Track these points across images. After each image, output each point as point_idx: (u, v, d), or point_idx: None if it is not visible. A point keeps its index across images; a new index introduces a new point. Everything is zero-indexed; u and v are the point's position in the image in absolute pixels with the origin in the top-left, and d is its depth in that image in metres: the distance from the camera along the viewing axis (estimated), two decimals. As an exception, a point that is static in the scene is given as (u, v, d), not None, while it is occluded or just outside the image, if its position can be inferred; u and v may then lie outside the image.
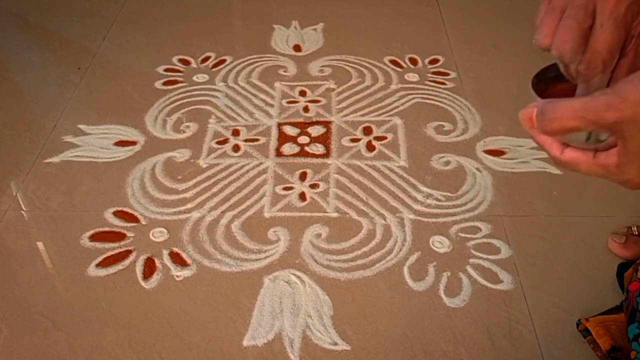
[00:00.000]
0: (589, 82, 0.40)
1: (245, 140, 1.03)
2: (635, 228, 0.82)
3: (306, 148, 1.01)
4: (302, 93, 1.14)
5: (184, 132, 1.05)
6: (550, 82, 0.42)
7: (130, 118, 1.08)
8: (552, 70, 0.42)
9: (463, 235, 0.85)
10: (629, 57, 0.44)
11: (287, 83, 1.17)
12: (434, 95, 1.13)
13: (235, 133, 1.05)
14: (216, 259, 0.82)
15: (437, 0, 1.45)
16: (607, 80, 0.38)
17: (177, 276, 0.80)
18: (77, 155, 1.01)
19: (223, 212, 0.89)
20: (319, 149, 1.01)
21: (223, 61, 1.24)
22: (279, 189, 0.93)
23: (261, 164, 0.98)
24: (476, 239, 0.84)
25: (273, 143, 1.02)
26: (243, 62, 1.24)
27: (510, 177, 0.95)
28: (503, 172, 0.96)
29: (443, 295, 0.77)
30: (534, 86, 0.41)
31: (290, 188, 0.93)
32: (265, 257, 0.82)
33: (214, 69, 1.21)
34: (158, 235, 0.85)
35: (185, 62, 1.24)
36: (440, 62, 1.22)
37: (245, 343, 0.72)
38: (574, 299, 0.76)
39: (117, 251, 0.83)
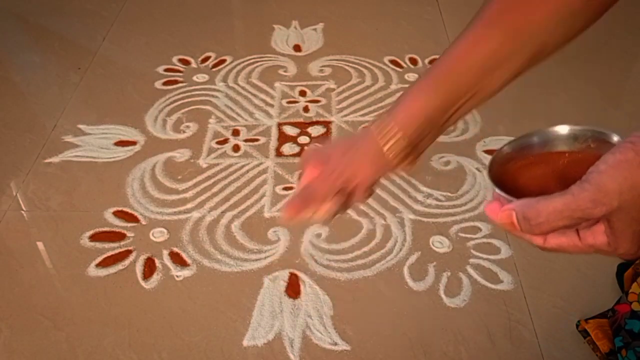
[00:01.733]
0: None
1: (245, 140, 1.03)
2: (635, 228, 0.82)
3: (306, 148, 1.01)
4: (302, 93, 1.14)
5: (184, 132, 1.05)
6: (504, 165, 0.41)
7: (130, 118, 1.08)
8: (503, 150, 0.41)
9: (463, 235, 0.85)
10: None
11: (287, 83, 1.17)
12: (434, 95, 1.13)
13: (235, 133, 1.05)
14: (216, 259, 0.82)
15: (437, 0, 1.45)
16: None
17: (177, 276, 0.80)
18: (77, 155, 1.01)
19: (223, 212, 0.89)
20: (319, 149, 1.01)
21: (223, 61, 1.24)
22: (279, 189, 0.93)
23: (261, 164, 0.98)
24: (476, 239, 0.84)
25: (273, 143, 1.02)
26: (243, 62, 1.24)
27: (510, 177, 0.95)
28: (503, 172, 0.95)
29: (443, 295, 0.77)
30: (490, 176, 0.38)
31: (291, 188, 0.93)
32: (265, 257, 0.82)
33: (214, 69, 1.21)
34: (158, 235, 0.85)
35: (185, 62, 1.24)
36: (440, 62, 1.22)
37: (245, 343, 0.72)
38: (574, 299, 0.76)
39: (117, 251, 0.83)
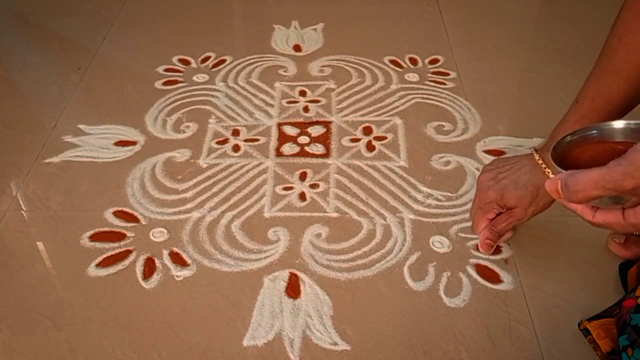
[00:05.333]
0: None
1: (245, 140, 1.03)
2: (635, 228, 0.82)
3: (306, 148, 1.01)
4: (302, 93, 1.14)
5: (184, 132, 1.05)
6: (566, 149, 0.46)
7: (130, 118, 1.08)
8: (565, 138, 0.46)
9: (463, 235, 0.85)
10: (499, 227, 0.63)
11: (287, 83, 1.17)
12: (434, 95, 1.13)
13: (235, 133, 1.05)
14: (216, 259, 0.82)
15: (437, 0, 1.45)
16: None
17: (177, 276, 0.80)
18: (77, 155, 1.01)
19: (223, 212, 0.89)
20: (319, 149, 1.01)
21: (223, 61, 1.24)
22: (279, 189, 0.93)
23: (261, 164, 0.98)
24: (476, 239, 0.84)
25: (273, 143, 1.02)
26: (243, 62, 1.24)
27: (510, 177, 0.95)
28: (503, 172, 0.95)
29: (443, 295, 0.77)
30: (553, 157, 0.45)
31: (290, 188, 0.93)
32: (265, 257, 0.82)
33: (214, 69, 1.21)
34: (158, 235, 0.85)
35: (185, 62, 1.24)
36: (440, 62, 1.22)
37: (245, 343, 0.72)
38: (574, 299, 0.76)
39: (117, 251, 0.83)
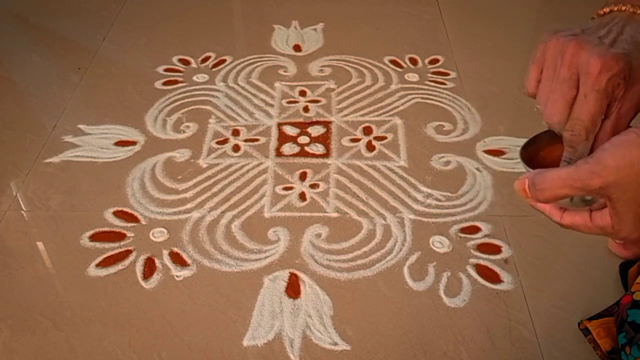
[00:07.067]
0: (574, 147, 0.41)
1: (245, 140, 1.03)
2: (635, 228, 0.82)
3: (306, 148, 1.01)
4: (302, 93, 1.14)
5: (184, 132, 1.05)
6: (535, 150, 0.45)
7: (130, 118, 1.08)
8: (535, 139, 0.46)
9: (463, 235, 0.85)
10: (612, 118, 0.47)
11: (287, 83, 1.17)
12: (434, 95, 1.13)
13: (235, 133, 1.05)
14: (216, 259, 0.82)
15: (437, 0, 1.45)
16: (591, 145, 0.39)
17: (177, 276, 0.80)
18: (77, 155, 1.01)
19: (223, 212, 0.89)
20: (319, 149, 1.01)
21: (223, 61, 1.24)
22: (279, 189, 0.93)
23: (261, 164, 0.98)
24: (476, 239, 0.84)
25: (273, 143, 1.02)
26: (243, 62, 1.24)
27: (510, 177, 0.95)
28: (503, 172, 0.96)
29: (443, 295, 0.77)
30: (521, 156, 0.43)
31: (290, 188, 0.93)
32: (265, 257, 0.82)
33: (214, 69, 1.21)
34: (158, 235, 0.85)
35: (185, 62, 1.24)
36: (440, 62, 1.22)
37: (245, 343, 0.72)
38: (574, 299, 0.76)
39: (117, 251, 0.83)
